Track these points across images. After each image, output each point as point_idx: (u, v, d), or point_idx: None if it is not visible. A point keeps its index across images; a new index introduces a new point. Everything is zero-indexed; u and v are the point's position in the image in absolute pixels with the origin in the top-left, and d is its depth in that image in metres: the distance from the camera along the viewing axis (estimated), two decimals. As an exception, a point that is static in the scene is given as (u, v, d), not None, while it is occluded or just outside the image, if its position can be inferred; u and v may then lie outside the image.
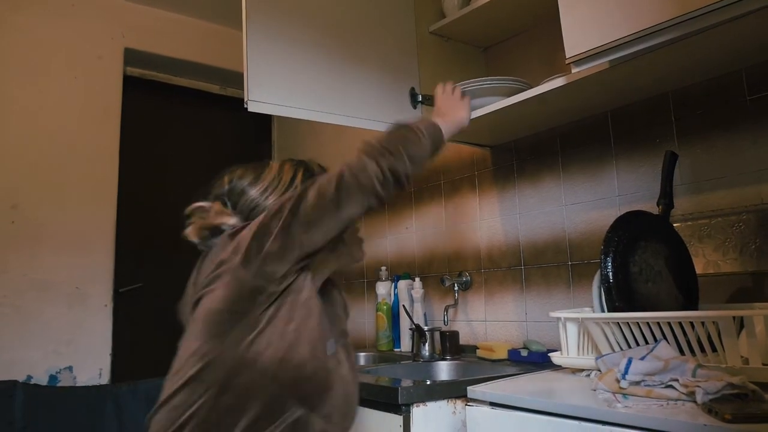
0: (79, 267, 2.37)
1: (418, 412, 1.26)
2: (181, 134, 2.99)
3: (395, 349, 2.16)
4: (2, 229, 2.27)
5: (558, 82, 1.39)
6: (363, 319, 2.47)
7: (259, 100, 1.45)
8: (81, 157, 2.48)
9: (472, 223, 2.02)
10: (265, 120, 3.28)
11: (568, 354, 1.20)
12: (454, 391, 1.32)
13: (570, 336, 1.20)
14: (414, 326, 1.89)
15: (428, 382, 1.36)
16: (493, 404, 1.06)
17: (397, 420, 1.25)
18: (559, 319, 1.22)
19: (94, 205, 2.46)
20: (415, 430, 1.25)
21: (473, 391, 1.09)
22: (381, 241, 2.42)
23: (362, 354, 2.18)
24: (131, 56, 2.72)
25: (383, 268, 2.28)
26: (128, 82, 2.73)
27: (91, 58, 2.59)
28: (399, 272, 2.26)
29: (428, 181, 2.21)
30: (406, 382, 1.32)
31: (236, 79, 2.99)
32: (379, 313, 2.20)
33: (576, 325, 1.20)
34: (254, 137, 3.27)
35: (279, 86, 1.51)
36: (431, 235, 2.18)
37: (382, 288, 2.24)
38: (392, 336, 2.19)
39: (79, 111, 2.52)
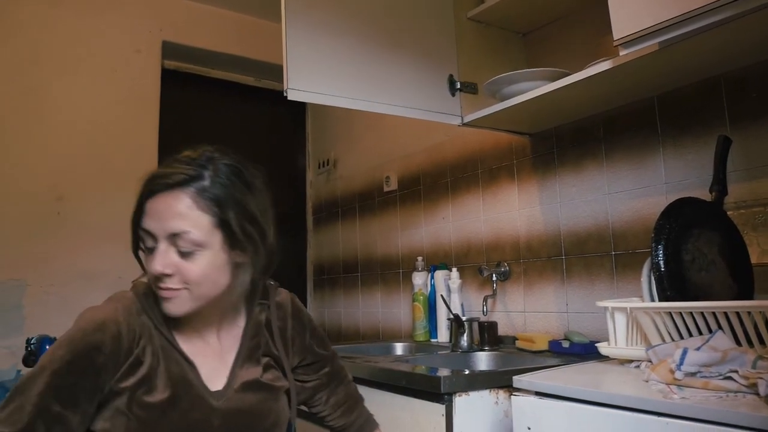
0: (120, 257, 2.39)
1: (460, 401, 1.25)
2: (217, 126, 3.02)
3: (432, 340, 2.15)
4: (49, 221, 2.34)
5: (604, 65, 1.35)
6: (398, 309, 2.47)
7: (298, 88, 1.45)
8: (121, 150, 2.53)
9: (510, 213, 1.99)
10: (300, 111, 3.30)
11: (616, 344, 1.17)
12: (497, 381, 1.30)
13: (618, 326, 1.16)
14: (452, 316, 1.88)
15: (469, 372, 1.35)
16: (539, 394, 1.04)
17: (439, 409, 1.24)
18: (606, 308, 1.18)
19: (134, 196, 2.50)
20: (457, 419, 1.24)
21: (519, 380, 1.07)
22: (416, 231, 2.41)
23: (399, 344, 2.18)
24: (168, 49, 2.76)
25: (419, 258, 2.27)
26: (165, 75, 2.76)
27: (130, 51, 2.63)
28: (435, 262, 2.24)
29: (465, 170, 2.19)
30: (448, 372, 1.31)
31: (271, 70, 3.01)
32: (416, 303, 2.19)
33: (624, 315, 1.16)
34: (289, 128, 3.29)
35: (317, 74, 1.50)
36: (468, 225, 2.16)
37: (419, 278, 2.22)
38: (429, 326, 2.18)
39: (119, 104, 2.57)
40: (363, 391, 1.50)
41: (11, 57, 2.36)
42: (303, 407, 1.13)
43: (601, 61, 1.38)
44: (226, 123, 3.05)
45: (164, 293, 0.89)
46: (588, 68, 1.41)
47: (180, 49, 2.79)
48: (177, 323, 0.96)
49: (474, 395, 1.27)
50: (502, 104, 1.65)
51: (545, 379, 1.06)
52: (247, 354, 1.00)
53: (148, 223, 0.89)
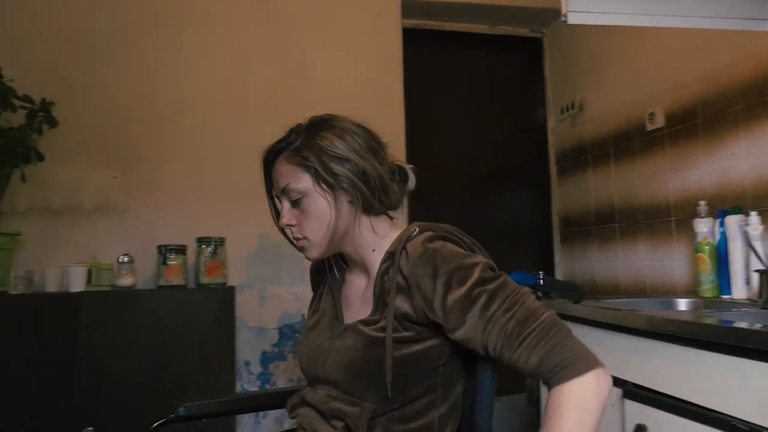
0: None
1: (817, 365, 1.01)
2: (453, 80, 2.99)
3: (723, 296, 1.85)
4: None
5: None
6: (670, 261, 2.18)
7: (577, 10, 1.30)
8: (371, 110, 2.58)
9: (838, 139, 1.58)
10: (535, 55, 3.10)
11: None
12: None
13: None
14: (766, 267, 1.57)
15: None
16: None
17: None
18: None
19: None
20: (814, 386, 1.00)
21: None
22: (693, 172, 2.08)
23: (680, 300, 1.92)
24: (406, 7, 2.78)
25: (701, 203, 1.94)
26: (404, 34, 2.79)
27: (372, 14, 2.71)
28: (723, 206, 1.91)
29: (763, 93, 1.80)
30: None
31: (506, 14, 2.87)
32: (700, 254, 1.89)
33: None
34: (524, 75, 3.12)
35: (597, -8, 1.33)
36: (771, 160, 1.78)
37: (702, 225, 1.91)
38: (717, 280, 1.87)
39: (367, 67, 2.68)
40: (674, 349, 1.32)
41: (285, 32, 2.61)
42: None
43: None
44: (462, 76, 3.00)
45: (297, 243, 1.05)
46: None
47: (417, 6, 2.79)
48: (348, 270, 1.12)
49: (835, 359, 1.02)
50: (842, -5, 1.28)
51: None
52: (371, 299, 1.03)
53: (275, 191, 1.06)
